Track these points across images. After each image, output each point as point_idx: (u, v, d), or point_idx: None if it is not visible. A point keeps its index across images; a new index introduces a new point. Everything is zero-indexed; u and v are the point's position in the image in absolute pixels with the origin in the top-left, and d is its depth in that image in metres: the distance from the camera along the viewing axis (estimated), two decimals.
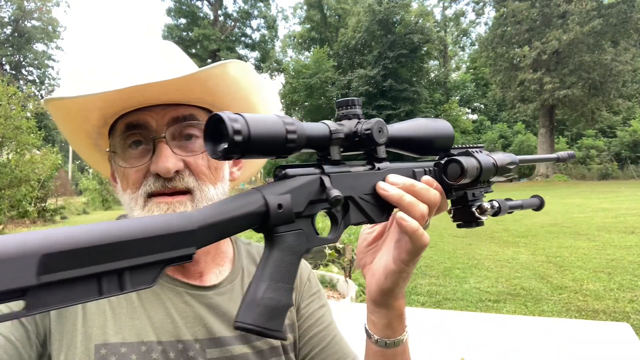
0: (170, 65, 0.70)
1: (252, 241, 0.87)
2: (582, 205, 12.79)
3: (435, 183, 0.59)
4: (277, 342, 0.74)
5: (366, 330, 0.66)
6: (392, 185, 0.55)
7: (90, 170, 20.82)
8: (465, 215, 0.67)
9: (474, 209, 0.65)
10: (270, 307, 0.44)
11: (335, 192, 0.49)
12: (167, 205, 0.62)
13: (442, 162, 0.64)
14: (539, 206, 0.72)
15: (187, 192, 0.65)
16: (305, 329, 0.82)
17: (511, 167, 0.69)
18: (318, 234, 0.51)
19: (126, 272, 0.35)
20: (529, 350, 1.41)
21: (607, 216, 10.21)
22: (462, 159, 0.62)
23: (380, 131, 0.54)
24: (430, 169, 0.64)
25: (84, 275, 0.33)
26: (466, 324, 1.65)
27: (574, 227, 9.05)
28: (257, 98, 0.74)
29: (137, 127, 0.65)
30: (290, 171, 0.50)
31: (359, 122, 0.54)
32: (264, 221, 0.46)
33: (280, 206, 0.46)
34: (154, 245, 0.36)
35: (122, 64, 0.67)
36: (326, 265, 5.51)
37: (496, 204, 0.67)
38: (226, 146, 0.42)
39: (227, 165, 0.73)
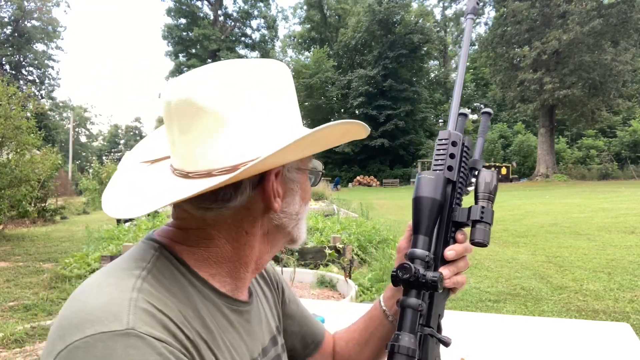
0: None
1: None
2: (582, 205, 12.79)
3: None
4: (283, 339, 0.81)
5: (382, 308, 0.84)
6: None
7: (90, 171, 20.82)
8: None
9: None
10: None
11: None
12: None
13: None
14: None
15: None
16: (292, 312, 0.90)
17: None
18: None
19: None
20: (529, 350, 1.40)
21: (607, 216, 10.22)
22: None
23: None
24: None
25: None
26: (466, 324, 1.65)
27: (574, 227, 9.05)
28: None
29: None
30: None
31: None
32: None
33: None
34: None
35: None
36: (326, 265, 5.51)
37: None
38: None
39: None
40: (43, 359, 0.50)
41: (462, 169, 0.69)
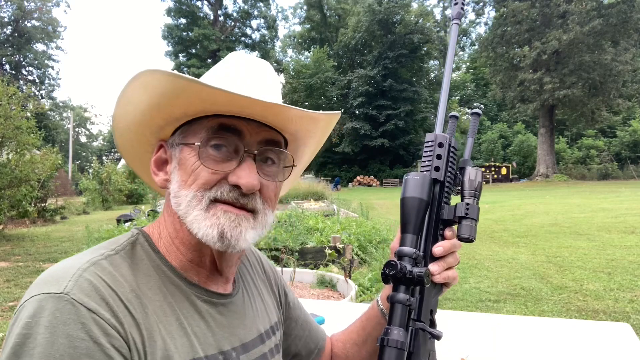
0: (279, 90, 0.73)
1: None
2: (582, 205, 12.79)
3: None
4: (278, 340, 0.79)
5: (379, 308, 0.82)
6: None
7: (90, 171, 20.80)
8: None
9: None
10: None
11: None
12: (235, 216, 0.63)
13: None
14: None
15: (251, 211, 0.65)
16: (295, 316, 0.90)
17: None
18: None
19: None
20: (529, 350, 1.41)
21: (607, 216, 10.21)
22: None
23: None
24: None
25: None
26: (466, 324, 1.65)
27: (574, 227, 9.05)
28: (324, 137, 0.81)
29: (230, 131, 0.64)
30: None
31: None
32: None
33: None
34: None
35: (247, 77, 0.69)
36: (326, 265, 5.51)
37: None
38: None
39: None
40: None
41: (449, 169, 0.71)
